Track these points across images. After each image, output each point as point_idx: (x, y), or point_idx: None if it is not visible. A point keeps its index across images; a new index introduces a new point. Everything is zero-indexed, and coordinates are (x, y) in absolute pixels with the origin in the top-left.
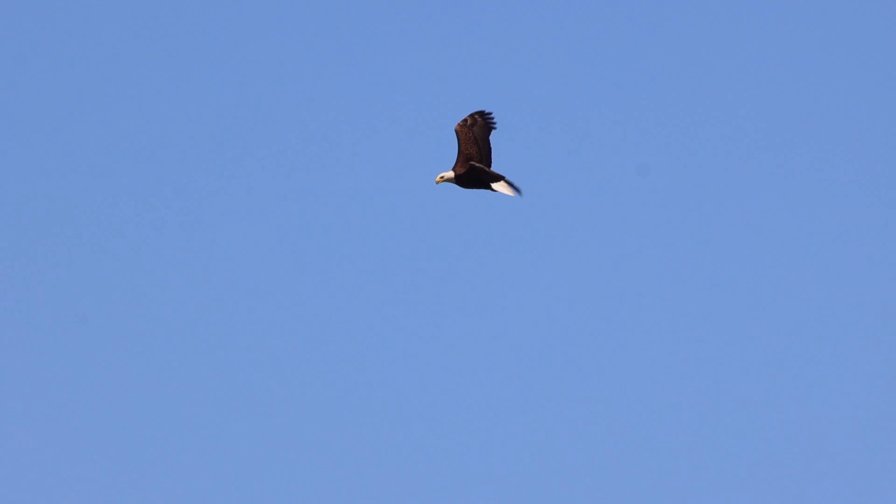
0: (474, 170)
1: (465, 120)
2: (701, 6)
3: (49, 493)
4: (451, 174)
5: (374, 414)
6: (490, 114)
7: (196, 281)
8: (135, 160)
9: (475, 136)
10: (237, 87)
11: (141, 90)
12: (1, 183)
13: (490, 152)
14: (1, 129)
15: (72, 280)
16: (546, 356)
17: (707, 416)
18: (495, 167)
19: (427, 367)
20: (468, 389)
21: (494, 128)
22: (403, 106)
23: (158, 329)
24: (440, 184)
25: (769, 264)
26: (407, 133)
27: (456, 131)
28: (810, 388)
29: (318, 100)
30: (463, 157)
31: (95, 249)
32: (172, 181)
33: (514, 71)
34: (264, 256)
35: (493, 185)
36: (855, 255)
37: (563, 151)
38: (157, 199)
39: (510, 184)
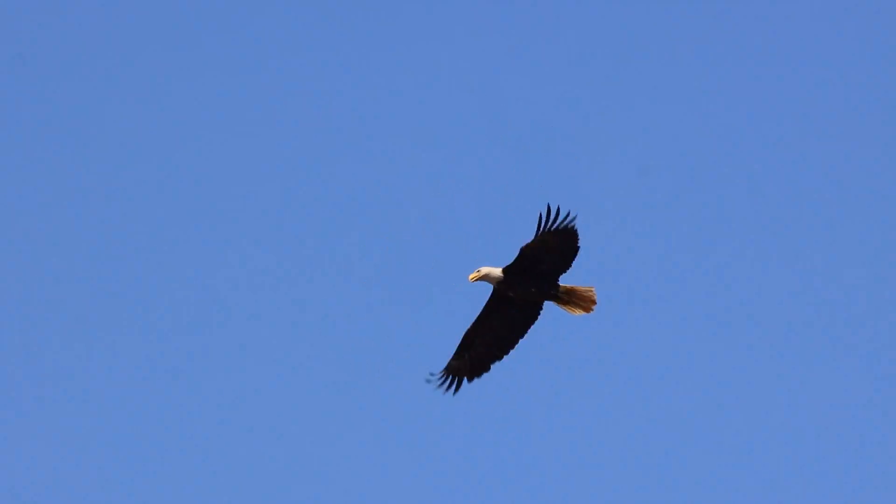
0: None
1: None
2: (701, 6)
3: (49, 492)
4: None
5: (375, 415)
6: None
7: (195, 282)
8: (133, 160)
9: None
10: (235, 88)
11: (139, 90)
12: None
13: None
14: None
15: (70, 279)
16: (544, 357)
17: (706, 417)
18: None
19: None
20: (469, 390)
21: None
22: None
23: (157, 328)
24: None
25: (769, 264)
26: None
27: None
28: (811, 390)
29: (318, 101)
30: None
31: (94, 249)
32: (170, 181)
33: (514, 71)
34: (263, 257)
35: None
36: (855, 255)
37: (563, 151)
38: (156, 198)
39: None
